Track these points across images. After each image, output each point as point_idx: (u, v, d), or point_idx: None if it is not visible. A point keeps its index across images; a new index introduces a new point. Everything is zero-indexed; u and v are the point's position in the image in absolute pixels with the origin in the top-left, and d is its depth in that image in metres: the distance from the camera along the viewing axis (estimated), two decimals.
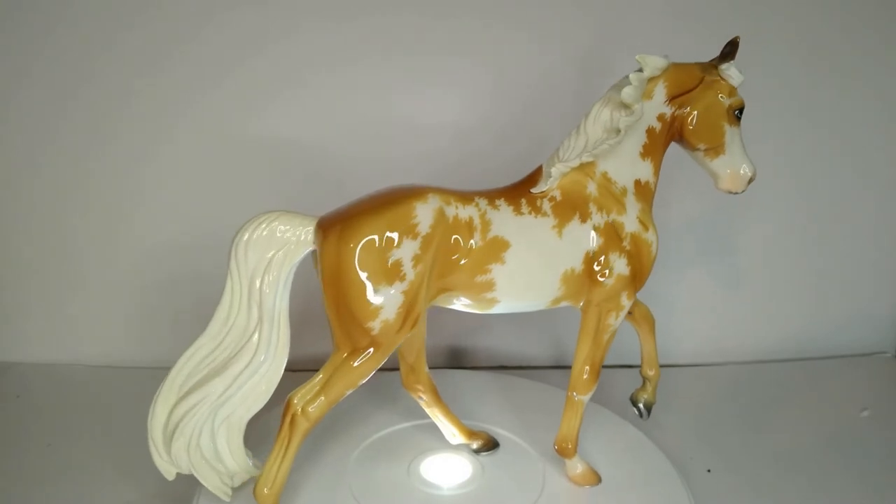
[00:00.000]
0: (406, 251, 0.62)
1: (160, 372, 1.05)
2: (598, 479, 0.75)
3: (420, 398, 0.77)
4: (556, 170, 0.67)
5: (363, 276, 0.61)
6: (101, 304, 1.05)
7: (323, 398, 0.63)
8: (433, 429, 0.80)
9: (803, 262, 1.11)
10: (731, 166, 0.67)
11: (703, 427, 0.93)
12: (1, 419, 0.92)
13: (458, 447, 0.80)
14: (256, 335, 0.65)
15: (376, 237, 0.61)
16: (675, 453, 0.81)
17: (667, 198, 1.05)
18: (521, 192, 0.68)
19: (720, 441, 0.90)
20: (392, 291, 0.62)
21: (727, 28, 0.97)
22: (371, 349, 0.63)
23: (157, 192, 1.01)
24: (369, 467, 0.76)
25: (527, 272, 0.66)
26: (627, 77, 0.66)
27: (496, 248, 0.65)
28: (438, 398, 0.78)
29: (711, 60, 0.68)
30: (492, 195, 0.68)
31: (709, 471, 0.83)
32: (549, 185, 0.67)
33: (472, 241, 0.64)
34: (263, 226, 0.64)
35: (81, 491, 0.78)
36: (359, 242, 0.61)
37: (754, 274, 1.11)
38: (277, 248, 0.64)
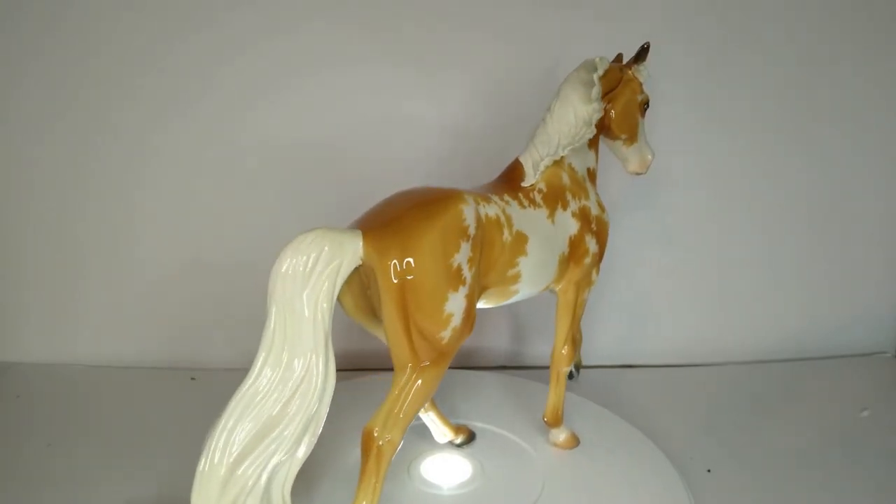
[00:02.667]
0: (463, 255, 0.61)
1: (160, 372, 1.06)
2: (578, 442, 0.81)
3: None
4: (545, 163, 0.72)
5: (433, 285, 0.59)
6: (101, 304, 1.05)
7: (401, 420, 0.61)
8: None
9: (803, 262, 1.11)
10: (640, 152, 0.78)
11: (703, 427, 0.93)
12: (1, 419, 0.92)
13: (457, 447, 0.80)
14: (316, 371, 0.58)
15: (439, 244, 0.59)
16: (675, 453, 0.81)
17: (673, 200, 1.06)
18: (514, 186, 0.72)
19: (720, 441, 0.90)
20: (458, 297, 0.61)
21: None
22: (437, 359, 0.61)
23: (157, 191, 1.01)
24: None
25: (540, 261, 0.70)
26: (575, 74, 0.73)
27: (520, 242, 0.67)
28: (433, 400, 0.78)
29: (627, 61, 0.77)
30: (497, 192, 0.69)
31: (709, 471, 0.83)
32: (537, 178, 0.72)
33: (503, 238, 0.66)
34: (309, 253, 0.57)
35: (81, 491, 0.78)
36: (423, 252, 0.59)
37: (755, 274, 1.11)
38: (328, 274, 0.58)
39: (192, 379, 1.03)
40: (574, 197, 0.73)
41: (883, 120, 1.06)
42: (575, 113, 0.71)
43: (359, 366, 0.98)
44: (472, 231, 0.62)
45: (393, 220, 0.60)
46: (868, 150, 1.07)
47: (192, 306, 1.05)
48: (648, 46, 0.76)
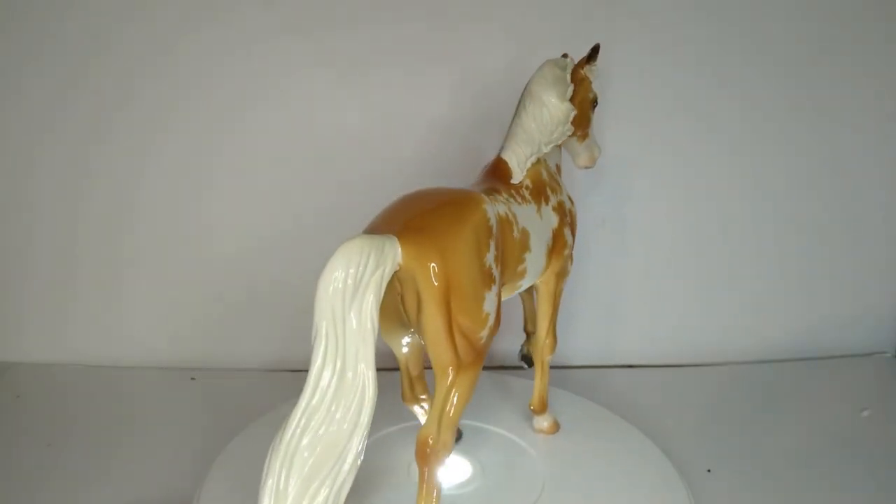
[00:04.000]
0: (492, 254, 0.62)
1: (160, 372, 1.05)
2: (559, 427, 0.84)
3: (422, 406, 0.77)
4: (531, 160, 0.74)
5: (473, 286, 0.60)
6: (101, 304, 1.05)
7: (451, 421, 0.61)
8: None
9: (803, 262, 1.11)
10: (590, 147, 0.80)
11: (703, 427, 0.93)
12: (1, 419, 0.92)
13: (457, 447, 0.80)
14: (367, 384, 0.56)
15: (473, 245, 0.60)
16: (675, 453, 0.81)
17: (676, 199, 1.06)
18: (505, 183, 0.73)
19: (720, 441, 0.90)
20: (492, 296, 0.61)
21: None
22: (475, 360, 0.61)
23: (157, 192, 1.02)
24: (369, 467, 0.76)
25: (537, 256, 0.71)
26: (542, 73, 0.74)
27: (526, 238, 0.69)
28: (430, 400, 0.78)
29: (579, 61, 0.78)
30: (497, 189, 0.70)
31: (709, 471, 0.83)
32: (524, 176, 0.74)
33: (514, 235, 0.67)
34: (357, 264, 0.55)
35: (81, 491, 0.78)
36: (462, 254, 0.59)
37: (754, 273, 1.11)
38: (373, 283, 0.56)
39: (192, 379, 1.03)
40: (552, 192, 0.76)
41: (885, 119, 1.05)
42: (550, 112, 0.73)
43: None
44: (494, 230, 0.63)
45: (420, 223, 0.60)
46: (868, 149, 1.07)
47: (192, 306, 1.05)
48: (598, 48, 0.78)
